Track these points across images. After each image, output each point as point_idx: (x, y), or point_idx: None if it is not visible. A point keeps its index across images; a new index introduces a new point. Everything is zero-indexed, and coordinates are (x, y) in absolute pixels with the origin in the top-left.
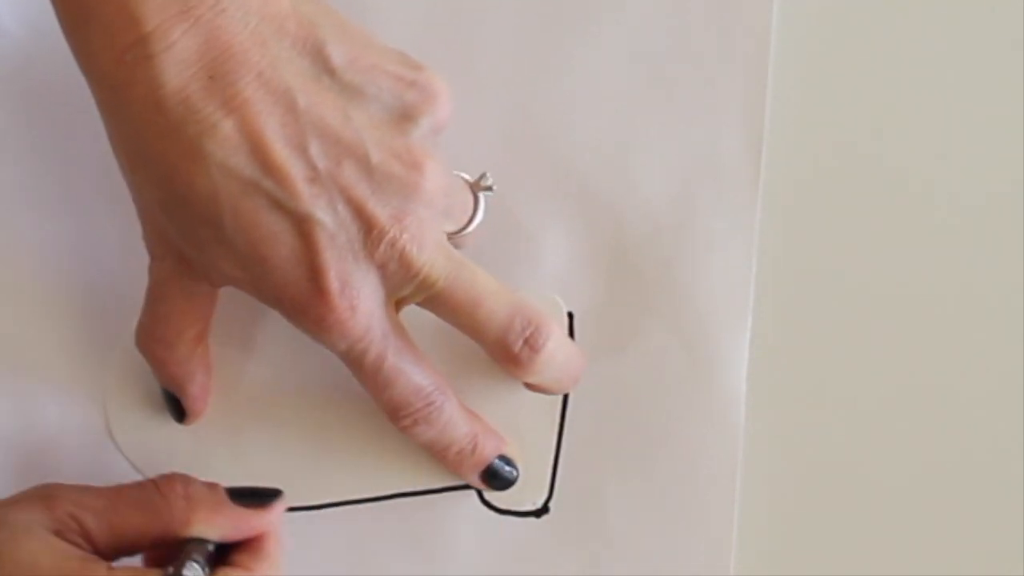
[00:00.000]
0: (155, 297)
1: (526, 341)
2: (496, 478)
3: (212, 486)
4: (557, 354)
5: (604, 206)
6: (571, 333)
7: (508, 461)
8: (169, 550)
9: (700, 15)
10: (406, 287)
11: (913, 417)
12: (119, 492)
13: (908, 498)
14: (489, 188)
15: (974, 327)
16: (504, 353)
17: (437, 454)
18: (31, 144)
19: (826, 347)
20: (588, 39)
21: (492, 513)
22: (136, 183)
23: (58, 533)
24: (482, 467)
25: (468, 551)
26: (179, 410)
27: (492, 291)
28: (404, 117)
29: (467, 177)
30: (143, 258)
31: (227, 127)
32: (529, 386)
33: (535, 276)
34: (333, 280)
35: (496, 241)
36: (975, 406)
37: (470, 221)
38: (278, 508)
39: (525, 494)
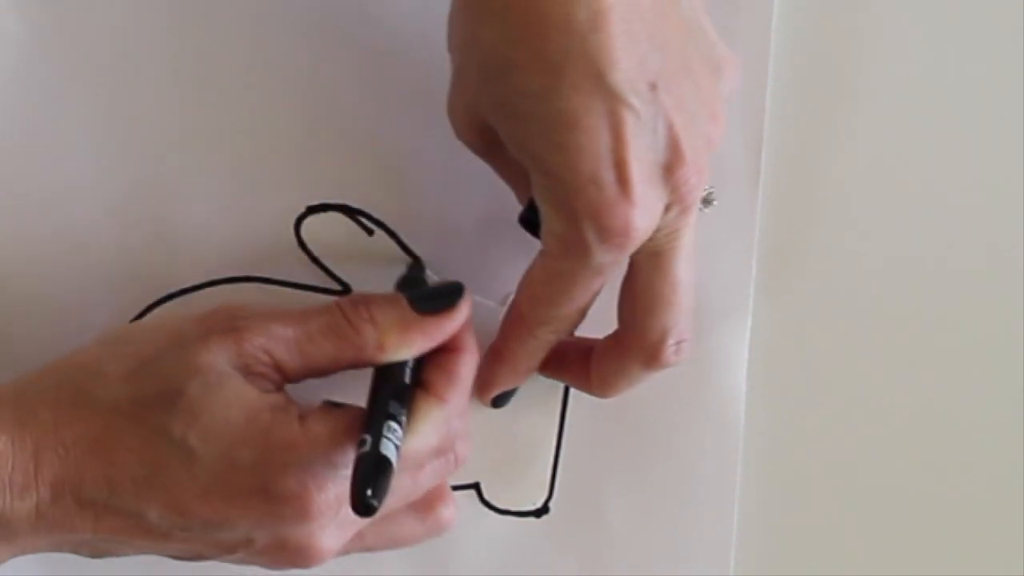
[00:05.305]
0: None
1: (678, 344)
2: (503, 399)
3: (393, 300)
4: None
5: None
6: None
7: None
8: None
9: None
10: (662, 231)
11: (913, 417)
12: (307, 319)
13: (908, 498)
14: (710, 203)
15: (974, 328)
16: (655, 341)
17: (517, 361)
18: (31, 144)
19: (826, 347)
20: None
21: (492, 513)
22: (474, 36)
23: (246, 368)
24: (515, 384)
25: (468, 551)
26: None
27: (693, 284)
28: (715, 68)
29: None
30: (139, 257)
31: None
32: (589, 383)
33: None
34: (639, 190)
35: (498, 240)
36: (975, 406)
37: None
38: (465, 305)
39: (525, 494)
